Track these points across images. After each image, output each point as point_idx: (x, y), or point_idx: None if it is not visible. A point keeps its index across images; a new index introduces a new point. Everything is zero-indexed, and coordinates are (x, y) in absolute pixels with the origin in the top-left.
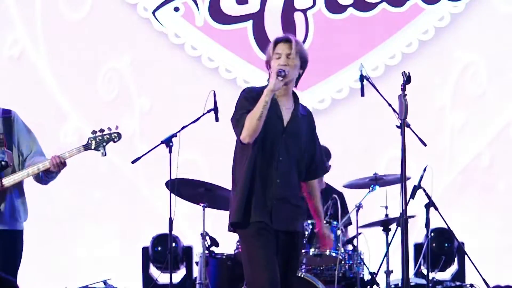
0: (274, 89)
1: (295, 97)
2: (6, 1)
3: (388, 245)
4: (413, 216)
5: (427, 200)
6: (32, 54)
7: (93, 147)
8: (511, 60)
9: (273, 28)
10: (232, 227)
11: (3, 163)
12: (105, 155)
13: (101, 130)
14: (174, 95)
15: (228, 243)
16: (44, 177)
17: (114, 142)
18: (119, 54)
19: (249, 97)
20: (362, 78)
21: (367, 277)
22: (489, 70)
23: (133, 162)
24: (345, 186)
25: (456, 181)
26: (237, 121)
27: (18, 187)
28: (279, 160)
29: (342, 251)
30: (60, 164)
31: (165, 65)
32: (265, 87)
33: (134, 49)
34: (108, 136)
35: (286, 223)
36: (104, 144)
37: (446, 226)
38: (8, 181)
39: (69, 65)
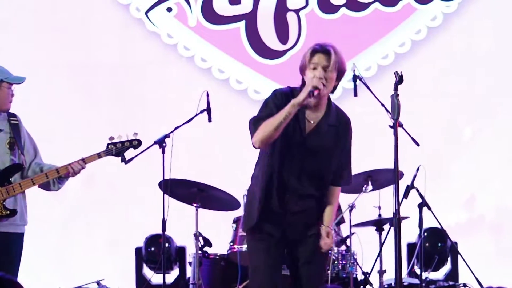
0: (301, 104)
1: (329, 106)
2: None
3: (381, 245)
4: (406, 218)
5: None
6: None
7: (114, 153)
8: (503, 60)
9: (266, 29)
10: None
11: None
12: (125, 160)
13: (119, 137)
14: (167, 95)
15: (221, 244)
16: (57, 183)
17: (135, 148)
18: (111, 55)
19: (276, 102)
20: (355, 78)
21: (360, 277)
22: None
23: (126, 162)
24: None
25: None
26: (254, 122)
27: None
28: (293, 173)
29: (336, 251)
30: (81, 169)
31: (157, 65)
32: (296, 88)
33: (126, 49)
34: (128, 143)
35: (298, 234)
36: (125, 150)
37: (439, 226)
38: (27, 184)
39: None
